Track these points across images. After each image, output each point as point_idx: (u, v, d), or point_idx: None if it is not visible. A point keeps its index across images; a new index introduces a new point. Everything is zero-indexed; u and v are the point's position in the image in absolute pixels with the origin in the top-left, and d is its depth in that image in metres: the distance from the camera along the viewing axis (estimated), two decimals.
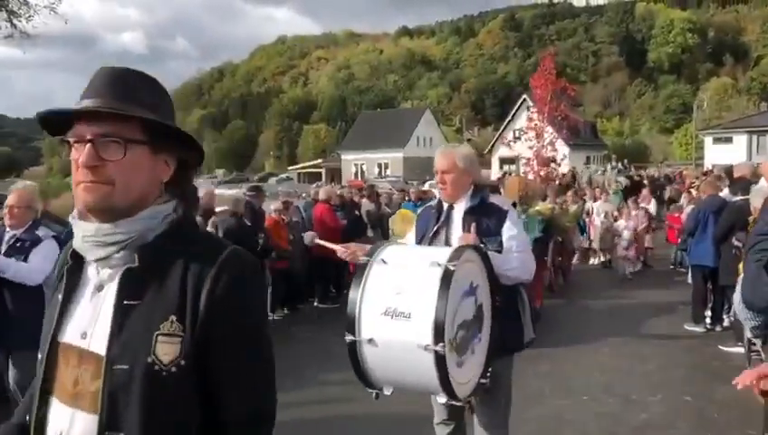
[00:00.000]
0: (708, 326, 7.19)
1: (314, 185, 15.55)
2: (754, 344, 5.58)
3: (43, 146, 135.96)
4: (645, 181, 21.01)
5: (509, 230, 2.92)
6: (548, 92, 14.50)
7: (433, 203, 3.22)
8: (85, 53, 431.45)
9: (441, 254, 2.45)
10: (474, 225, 2.87)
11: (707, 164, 40.60)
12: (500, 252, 2.86)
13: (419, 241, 3.10)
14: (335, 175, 54.46)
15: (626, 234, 10.75)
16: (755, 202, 5.06)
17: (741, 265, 5.64)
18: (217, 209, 8.82)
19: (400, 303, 2.33)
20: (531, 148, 14.78)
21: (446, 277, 2.31)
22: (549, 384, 5.43)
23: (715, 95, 68.78)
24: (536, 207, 9.54)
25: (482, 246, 2.74)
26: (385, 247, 2.61)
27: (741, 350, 6.11)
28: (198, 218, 7.41)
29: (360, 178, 41.82)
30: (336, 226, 8.96)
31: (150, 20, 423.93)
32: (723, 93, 75.67)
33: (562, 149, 19.76)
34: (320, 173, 57.39)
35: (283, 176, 63.31)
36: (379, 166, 54.94)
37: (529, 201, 9.83)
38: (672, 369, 5.84)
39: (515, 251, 2.88)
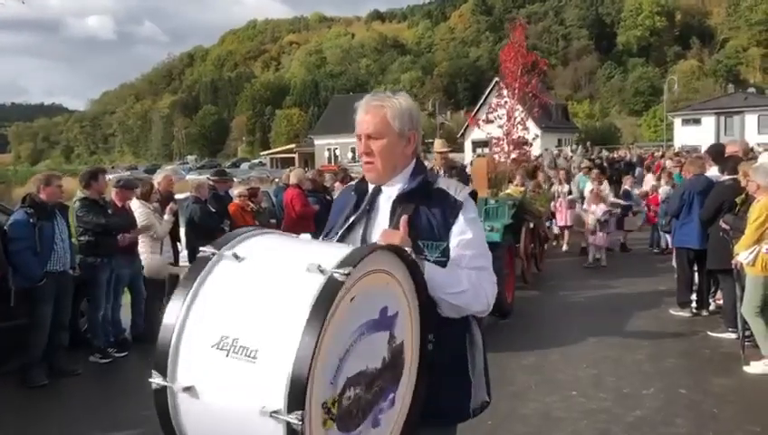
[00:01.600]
0: (694, 311, 6.95)
1: (287, 170, 15.04)
2: (748, 329, 5.36)
3: (10, 133, 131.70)
4: (604, 164, 20.70)
5: (461, 233, 1.88)
6: (518, 66, 13.66)
7: (353, 183, 2.16)
8: (50, 38, 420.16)
9: (331, 253, 1.48)
10: (405, 217, 1.83)
11: (677, 145, 41.16)
12: (444, 265, 1.86)
13: (324, 237, 2.04)
14: (308, 159, 53.79)
15: (591, 218, 10.38)
16: (759, 179, 4.78)
17: (734, 250, 5.41)
18: (180, 196, 8.36)
19: (245, 331, 1.40)
20: (500, 127, 14.16)
21: (328, 293, 1.37)
22: (534, 379, 5.10)
23: (682, 77, 69.58)
24: (506, 190, 9.07)
25: (410, 250, 1.69)
26: (250, 236, 1.61)
27: (731, 336, 5.89)
28: (155, 205, 6.91)
29: (333, 163, 41.21)
30: (307, 211, 8.51)
31: (118, 4, 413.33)
32: (690, 76, 76.69)
33: (534, 129, 19.24)
34: (293, 158, 56.61)
35: (256, 161, 62.57)
36: (353, 150, 54.37)
37: (498, 184, 9.34)
38: (662, 358, 5.55)
39: (467, 266, 1.86)
